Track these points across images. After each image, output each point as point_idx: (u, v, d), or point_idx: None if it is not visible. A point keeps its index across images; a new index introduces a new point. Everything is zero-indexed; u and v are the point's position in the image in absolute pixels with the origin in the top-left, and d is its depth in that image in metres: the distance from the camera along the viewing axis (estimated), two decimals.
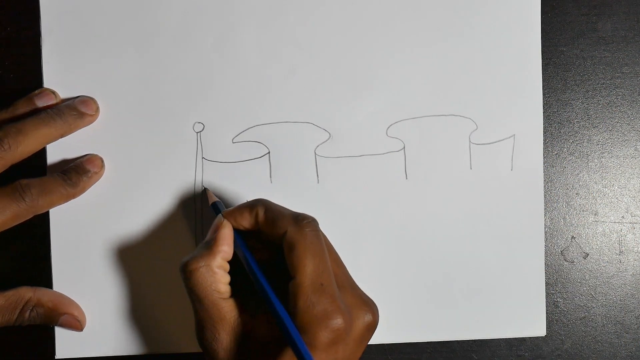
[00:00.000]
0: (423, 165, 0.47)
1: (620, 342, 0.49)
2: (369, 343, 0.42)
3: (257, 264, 0.41)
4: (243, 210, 0.42)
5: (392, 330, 0.47)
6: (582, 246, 0.49)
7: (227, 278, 0.41)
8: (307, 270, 0.39)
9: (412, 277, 0.47)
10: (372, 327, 0.40)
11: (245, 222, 0.42)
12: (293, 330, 0.38)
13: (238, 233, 0.42)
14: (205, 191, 0.46)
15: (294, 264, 0.39)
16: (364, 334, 0.40)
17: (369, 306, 0.40)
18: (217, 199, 0.45)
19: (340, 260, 0.42)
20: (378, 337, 0.47)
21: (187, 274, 0.40)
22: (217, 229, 0.41)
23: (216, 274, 0.40)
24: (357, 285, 0.42)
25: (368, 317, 0.40)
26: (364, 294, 0.41)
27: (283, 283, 0.40)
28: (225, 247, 0.41)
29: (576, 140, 0.49)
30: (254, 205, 0.42)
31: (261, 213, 0.41)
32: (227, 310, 0.40)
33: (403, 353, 0.47)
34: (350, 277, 0.42)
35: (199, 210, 0.47)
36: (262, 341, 0.40)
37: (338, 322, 0.38)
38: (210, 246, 0.41)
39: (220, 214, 0.42)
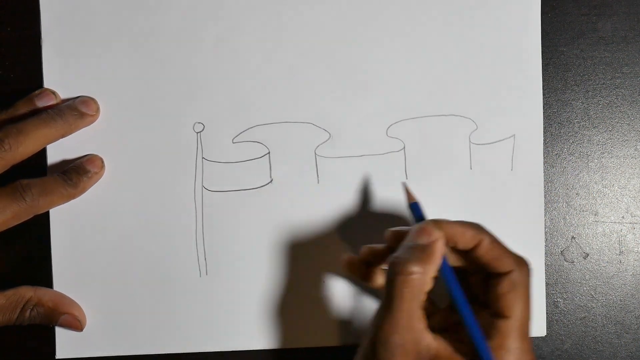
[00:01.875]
0: (423, 165, 0.47)
1: (620, 342, 0.49)
2: None
3: (460, 285, 0.41)
4: (465, 231, 0.41)
5: None
6: (582, 246, 0.49)
7: (431, 289, 0.40)
8: (522, 314, 0.40)
9: None
10: None
11: (462, 243, 0.41)
12: None
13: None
14: (404, 186, 0.45)
15: (510, 305, 0.40)
16: None
17: None
18: (418, 200, 0.44)
19: None
20: None
21: (403, 274, 0.39)
22: (434, 240, 0.40)
23: (427, 283, 0.40)
24: None
25: None
26: None
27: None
28: (439, 260, 0.40)
29: (576, 140, 0.49)
30: (479, 231, 0.41)
31: (486, 243, 0.41)
32: (418, 322, 0.39)
33: None
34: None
35: (199, 210, 0.47)
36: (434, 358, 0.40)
37: None
38: (427, 254, 0.40)
39: (433, 223, 0.41)
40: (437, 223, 0.41)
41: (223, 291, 0.47)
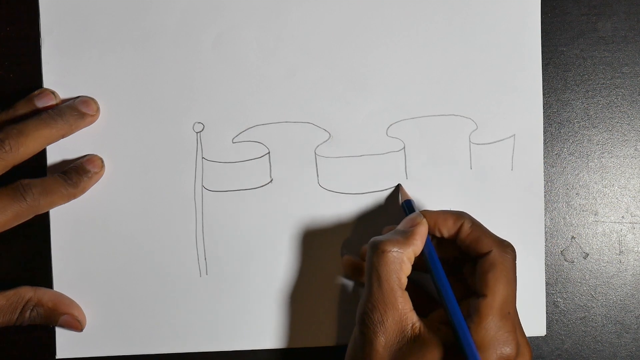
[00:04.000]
0: (423, 165, 0.47)
1: (620, 342, 0.49)
2: None
3: (443, 270, 0.42)
4: (447, 217, 0.43)
5: None
6: (582, 246, 0.49)
7: (409, 271, 0.42)
8: (500, 294, 0.40)
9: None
10: None
11: (445, 229, 0.43)
12: (472, 346, 0.39)
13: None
14: (399, 187, 0.47)
15: (489, 284, 0.40)
16: None
17: (530, 349, 0.42)
18: (411, 198, 0.46)
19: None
20: None
21: (378, 252, 0.41)
22: (415, 225, 0.42)
23: (404, 263, 0.41)
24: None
25: (528, 358, 0.41)
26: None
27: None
28: (419, 242, 0.42)
29: (576, 140, 0.49)
30: (460, 216, 0.43)
31: (467, 226, 0.42)
32: (400, 301, 0.40)
33: None
34: (518, 315, 0.43)
35: (199, 210, 0.47)
36: (421, 342, 0.40)
37: (510, 351, 0.40)
38: (406, 236, 0.42)
39: (418, 212, 0.43)
40: (422, 212, 0.43)
41: (223, 291, 0.47)
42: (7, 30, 0.47)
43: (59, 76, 0.46)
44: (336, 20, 0.47)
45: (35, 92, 0.45)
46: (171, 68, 0.47)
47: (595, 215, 0.48)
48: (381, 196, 0.47)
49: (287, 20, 0.47)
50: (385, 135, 0.47)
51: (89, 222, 0.46)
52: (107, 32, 0.46)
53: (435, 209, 0.44)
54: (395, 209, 0.47)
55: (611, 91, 0.49)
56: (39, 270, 0.46)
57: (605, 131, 0.49)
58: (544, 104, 0.48)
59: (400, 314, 0.40)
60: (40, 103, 0.45)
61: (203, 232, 0.47)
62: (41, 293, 0.45)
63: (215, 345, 0.47)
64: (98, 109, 0.46)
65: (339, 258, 0.47)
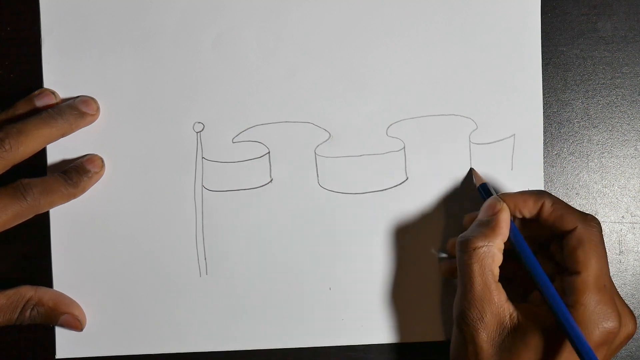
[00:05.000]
0: (423, 165, 0.47)
1: None
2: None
3: (532, 252, 0.42)
4: (527, 198, 0.42)
5: (392, 330, 0.47)
6: None
7: (501, 261, 0.42)
8: (594, 268, 0.40)
9: (413, 277, 0.47)
10: (631, 337, 0.41)
11: (526, 210, 0.43)
12: (573, 325, 0.39)
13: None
14: (471, 171, 0.47)
15: (581, 261, 0.40)
16: (624, 341, 0.41)
17: (633, 316, 0.42)
18: (486, 180, 0.46)
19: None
20: (377, 337, 0.47)
21: (469, 251, 0.41)
22: (497, 212, 0.42)
23: (495, 255, 0.41)
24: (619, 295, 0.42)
25: (632, 327, 0.41)
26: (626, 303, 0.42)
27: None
28: (505, 230, 0.42)
29: (576, 140, 0.49)
30: (540, 196, 0.42)
31: (548, 205, 0.42)
32: (495, 294, 0.41)
33: (403, 353, 0.47)
34: (615, 286, 0.42)
35: (199, 210, 0.47)
36: (522, 331, 0.40)
37: (612, 324, 0.39)
38: (491, 227, 0.41)
39: (496, 196, 0.43)
40: (501, 196, 0.43)
41: (223, 291, 0.47)
42: (7, 30, 0.47)
43: (59, 76, 0.46)
44: (336, 20, 0.47)
45: (35, 92, 0.45)
46: (171, 68, 0.47)
47: (595, 215, 0.48)
48: (382, 195, 0.47)
49: (287, 20, 0.47)
50: (385, 135, 0.47)
51: (89, 222, 0.46)
52: (107, 32, 0.46)
53: (512, 192, 0.43)
54: (397, 208, 0.47)
55: (611, 91, 0.49)
56: (39, 270, 0.46)
57: (605, 131, 0.49)
58: (544, 104, 0.48)
59: (497, 307, 0.40)
60: (40, 103, 0.45)
61: (203, 232, 0.47)
62: (42, 292, 0.45)
63: (215, 345, 0.47)
64: (98, 108, 0.46)
65: (337, 257, 0.47)
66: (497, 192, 0.45)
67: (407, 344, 0.47)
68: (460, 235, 0.42)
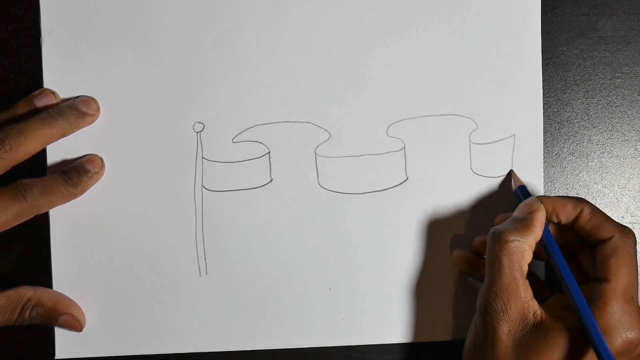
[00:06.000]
0: (423, 165, 0.47)
1: None
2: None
3: (563, 256, 0.42)
4: (566, 202, 0.43)
5: (392, 330, 0.47)
6: None
7: (530, 259, 0.42)
8: (624, 278, 0.41)
9: (413, 277, 0.47)
10: None
11: (564, 215, 0.43)
12: (597, 330, 0.39)
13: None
14: (511, 173, 0.47)
15: (612, 269, 0.41)
16: None
17: None
18: (524, 183, 0.46)
19: None
20: (377, 337, 0.47)
21: (501, 242, 0.41)
22: (534, 211, 0.42)
23: (526, 251, 0.41)
24: None
25: None
26: None
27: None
28: (539, 229, 0.42)
29: (576, 140, 0.49)
30: (579, 202, 0.43)
31: (587, 212, 0.43)
32: (522, 289, 0.41)
33: (403, 353, 0.47)
34: None
35: (199, 210, 0.47)
36: (544, 329, 0.41)
37: (634, 335, 0.40)
38: (526, 224, 0.42)
39: (535, 197, 0.43)
40: (539, 198, 0.43)
41: (223, 291, 0.47)
42: (7, 30, 0.47)
43: (59, 76, 0.46)
44: (336, 20, 0.47)
45: (35, 92, 0.45)
46: (171, 68, 0.47)
47: None
48: (381, 196, 0.47)
49: (287, 20, 0.47)
50: (385, 135, 0.47)
51: (89, 222, 0.46)
52: (107, 32, 0.47)
53: (551, 195, 0.44)
54: (395, 208, 0.47)
55: (611, 91, 0.49)
56: (38, 270, 0.46)
57: (605, 131, 0.49)
58: (544, 104, 0.48)
59: (523, 302, 0.41)
60: (40, 103, 0.45)
61: (203, 232, 0.47)
62: (41, 293, 0.45)
63: (215, 345, 0.47)
64: (98, 108, 0.46)
65: (337, 257, 0.47)
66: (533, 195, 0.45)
67: (408, 344, 0.47)
68: (493, 227, 0.43)
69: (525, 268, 0.42)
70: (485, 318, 0.41)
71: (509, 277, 0.41)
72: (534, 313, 0.41)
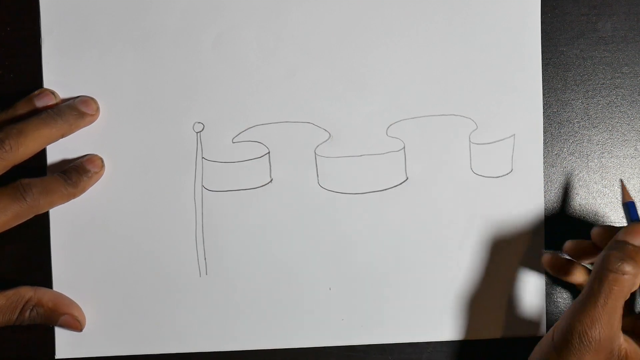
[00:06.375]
0: (423, 165, 0.47)
1: None
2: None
3: None
4: None
5: (392, 330, 0.47)
6: None
7: (635, 290, 0.41)
8: None
9: (413, 277, 0.47)
10: None
11: None
12: None
13: None
14: (621, 183, 0.46)
15: None
16: None
17: None
18: (633, 199, 0.45)
19: None
20: (378, 337, 0.47)
21: (615, 271, 0.40)
22: None
23: (634, 285, 0.41)
24: None
25: None
26: None
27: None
28: None
29: (576, 140, 0.49)
30: None
31: None
32: (617, 321, 0.40)
33: (403, 353, 0.47)
34: None
35: (199, 210, 0.47)
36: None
37: None
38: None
39: None
40: None
41: (223, 291, 0.47)
42: (7, 30, 0.47)
43: (59, 76, 0.46)
44: (336, 20, 0.47)
45: (35, 92, 0.45)
46: (171, 68, 0.47)
47: (595, 215, 0.48)
48: (381, 196, 0.47)
49: (287, 20, 0.47)
50: (385, 135, 0.47)
51: (89, 222, 0.46)
52: (107, 32, 0.47)
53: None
54: (395, 208, 0.47)
55: (611, 91, 0.49)
56: (38, 270, 0.46)
57: (605, 131, 0.49)
58: (544, 104, 0.48)
59: (614, 333, 0.40)
60: (40, 103, 0.45)
61: (203, 232, 0.47)
62: (41, 293, 0.45)
63: (215, 345, 0.47)
64: (98, 108, 0.46)
65: (337, 257, 0.47)
66: None
67: (408, 344, 0.47)
68: (609, 252, 0.41)
69: (627, 299, 0.41)
70: (574, 342, 0.40)
71: (612, 308, 0.40)
72: (619, 346, 0.40)
